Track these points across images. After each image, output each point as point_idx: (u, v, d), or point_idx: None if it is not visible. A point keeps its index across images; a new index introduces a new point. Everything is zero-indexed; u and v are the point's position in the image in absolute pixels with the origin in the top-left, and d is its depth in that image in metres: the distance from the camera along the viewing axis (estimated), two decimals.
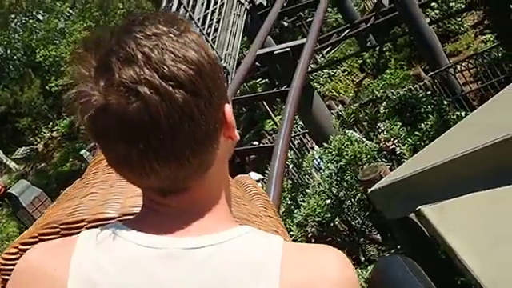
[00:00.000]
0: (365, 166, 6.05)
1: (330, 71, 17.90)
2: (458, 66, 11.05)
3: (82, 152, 19.18)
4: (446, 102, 7.48)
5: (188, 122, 0.81)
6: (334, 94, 16.78)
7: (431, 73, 11.24)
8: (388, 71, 16.27)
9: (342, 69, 18.05)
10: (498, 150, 3.63)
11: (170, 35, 0.82)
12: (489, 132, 3.83)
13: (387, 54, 17.28)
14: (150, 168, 0.83)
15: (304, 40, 7.52)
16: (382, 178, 4.62)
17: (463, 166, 3.86)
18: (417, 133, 6.40)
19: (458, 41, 16.01)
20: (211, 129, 0.84)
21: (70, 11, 24.99)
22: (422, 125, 6.41)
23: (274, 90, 8.66)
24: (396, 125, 6.58)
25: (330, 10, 25.02)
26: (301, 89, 6.06)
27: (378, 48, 17.40)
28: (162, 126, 0.79)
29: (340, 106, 12.77)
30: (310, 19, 22.03)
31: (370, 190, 4.46)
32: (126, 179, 0.90)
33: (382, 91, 9.37)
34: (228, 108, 0.88)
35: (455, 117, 6.84)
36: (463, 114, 7.08)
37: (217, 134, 0.87)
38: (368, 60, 17.72)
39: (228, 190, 0.97)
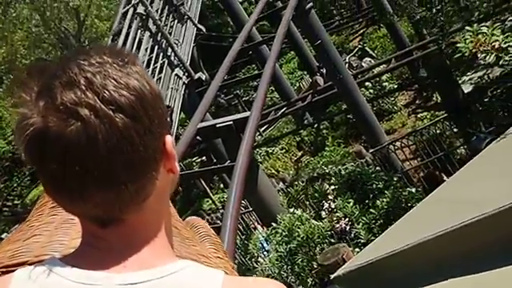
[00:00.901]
0: (317, 248, 5.54)
1: (268, 149, 17.72)
2: (398, 143, 11.09)
3: None
4: (395, 178, 7.24)
5: (126, 146, 0.80)
6: (273, 171, 16.49)
7: (372, 150, 11.20)
8: (327, 148, 16.26)
9: (280, 146, 17.94)
10: (481, 228, 3.24)
11: (114, 65, 0.83)
12: (466, 208, 3.45)
13: (324, 131, 17.39)
14: (86, 191, 0.81)
15: (247, 113, 7.16)
16: (344, 261, 4.15)
17: (439, 247, 3.44)
18: (372, 210, 6.02)
19: (393, 119, 16.36)
20: (150, 156, 0.84)
21: None
22: (378, 202, 6.04)
23: (218, 166, 8.16)
24: (348, 202, 6.18)
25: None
26: (247, 163, 5.60)
27: (315, 126, 17.48)
28: (99, 148, 0.78)
29: (281, 183, 12.42)
30: (245, 98, 22.36)
31: (332, 276, 3.95)
32: (63, 206, 0.89)
33: (324, 168, 9.12)
34: (169, 139, 0.88)
35: (407, 193, 6.57)
36: (414, 190, 6.85)
37: (156, 162, 0.86)
38: (306, 138, 17.72)
39: (169, 224, 0.96)
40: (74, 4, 20.73)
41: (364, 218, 5.97)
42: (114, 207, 0.84)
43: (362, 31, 24.46)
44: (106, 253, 0.87)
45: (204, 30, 11.69)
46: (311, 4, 11.24)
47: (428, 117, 13.02)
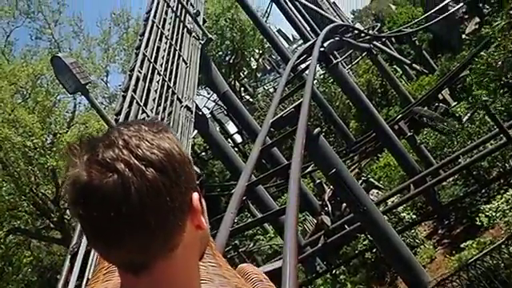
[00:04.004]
0: None
1: None
2: (449, 285, 8.99)
3: None
4: None
5: (155, 195, 0.92)
6: None
7: None
8: None
9: None
10: None
11: (149, 131, 0.98)
12: None
13: (342, 277, 15.09)
14: (120, 236, 0.92)
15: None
16: None
17: None
18: None
19: (417, 254, 14.28)
20: (177, 207, 0.95)
21: None
22: None
23: None
24: None
25: (262, 237, 23.56)
26: None
27: (331, 272, 15.20)
28: (132, 196, 0.90)
29: None
30: (242, 248, 20.27)
31: None
32: (101, 252, 0.99)
33: None
34: (195, 196, 1.00)
35: None
36: None
37: (183, 214, 0.97)
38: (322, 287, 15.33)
39: (198, 284, 1.07)
40: (50, 165, 19.21)
41: None
42: (144, 254, 0.95)
43: (357, 165, 23.35)
44: None
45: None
46: (318, 129, 9.82)
47: (474, 245, 11.03)
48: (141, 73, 12.31)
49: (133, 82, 11.83)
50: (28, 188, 20.04)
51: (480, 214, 10.33)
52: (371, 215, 10.07)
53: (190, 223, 0.99)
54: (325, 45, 14.47)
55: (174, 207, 0.94)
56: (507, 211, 9.30)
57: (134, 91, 11.44)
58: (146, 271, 0.96)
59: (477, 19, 28.00)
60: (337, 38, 17.04)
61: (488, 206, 10.10)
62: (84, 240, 7.05)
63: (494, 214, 9.53)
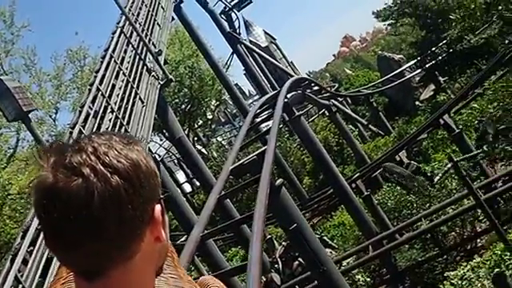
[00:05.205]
0: None
1: None
2: None
3: None
4: None
5: (117, 202, 0.93)
6: None
7: None
8: None
9: None
10: None
11: (120, 142, 1.00)
12: None
13: None
14: (78, 239, 0.92)
15: None
16: None
17: None
18: None
19: None
20: (138, 216, 0.96)
21: None
22: None
23: None
24: None
25: None
26: None
27: None
28: (94, 201, 0.91)
29: None
30: None
31: None
32: (57, 255, 0.98)
33: None
34: (158, 207, 1.01)
35: None
36: None
37: (143, 224, 0.98)
38: None
39: None
40: None
41: None
42: (101, 259, 0.95)
43: (309, 222, 22.74)
44: None
45: None
46: (281, 180, 9.17)
47: None
48: (92, 109, 11.51)
49: (82, 118, 11.02)
50: None
51: (445, 282, 9.86)
52: (331, 276, 9.35)
53: (149, 234, 0.99)
54: (288, 96, 14.09)
55: (134, 216, 0.95)
56: (473, 279, 8.86)
57: (83, 128, 10.61)
58: (101, 278, 0.97)
59: (432, 86, 28.75)
60: (299, 92, 16.77)
61: (452, 274, 9.67)
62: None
63: (459, 282, 9.08)
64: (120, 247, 0.94)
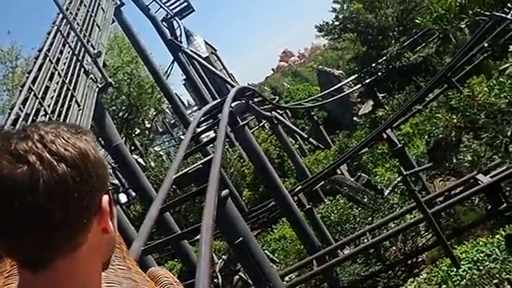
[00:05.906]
0: None
1: None
2: None
3: None
4: None
5: (63, 190, 0.89)
6: None
7: None
8: None
9: None
10: None
11: (68, 131, 0.96)
12: None
13: None
14: (22, 226, 0.88)
15: None
16: None
17: None
18: None
19: None
20: (84, 205, 0.92)
21: None
22: None
23: None
24: None
25: None
26: None
27: None
28: (39, 189, 0.88)
29: None
30: None
31: None
32: (2, 246, 0.93)
33: None
34: (105, 198, 0.98)
35: None
36: None
37: (90, 214, 0.94)
38: None
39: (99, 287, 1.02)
40: None
41: None
42: (45, 248, 0.91)
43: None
44: None
45: None
46: (227, 191, 8.71)
47: None
48: (22, 111, 10.66)
49: (10, 121, 10.18)
50: None
51: None
52: None
53: (96, 224, 0.97)
54: (232, 105, 13.71)
55: (81, 205, 0.92)
56: None
57: None
58: (46, 269, 0.94)
59: (371, 102, 29.26)
60: (243, 101, 16.44)
61: None
62: None
63: None
64: (66, 237, 0.92)
